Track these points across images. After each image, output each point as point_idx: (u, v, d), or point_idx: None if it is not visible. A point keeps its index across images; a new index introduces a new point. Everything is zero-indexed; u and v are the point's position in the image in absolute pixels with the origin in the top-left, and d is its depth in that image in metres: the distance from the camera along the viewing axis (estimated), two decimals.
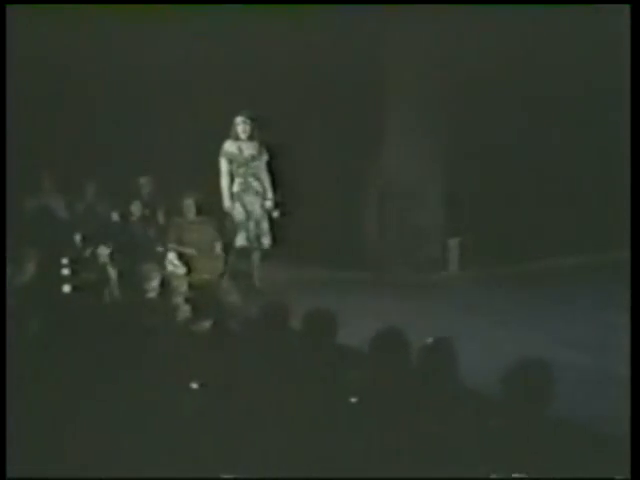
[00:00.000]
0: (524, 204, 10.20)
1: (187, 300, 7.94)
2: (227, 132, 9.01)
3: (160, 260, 8.53)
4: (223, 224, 8.95)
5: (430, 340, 4.19)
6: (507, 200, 10.12)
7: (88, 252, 8.42)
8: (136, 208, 9.14)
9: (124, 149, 10.51)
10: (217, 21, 9.45)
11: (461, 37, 9.40)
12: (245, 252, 8.99)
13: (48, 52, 9.40)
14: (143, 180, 9.62)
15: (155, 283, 8.01)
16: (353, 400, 4.21)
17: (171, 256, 8.64)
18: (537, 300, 8.38)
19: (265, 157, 9.00)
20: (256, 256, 9.00)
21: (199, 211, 8.96)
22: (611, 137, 9.75)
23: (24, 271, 7.23)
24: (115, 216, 9.24)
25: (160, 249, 8.75)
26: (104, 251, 8.34)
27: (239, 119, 8.91)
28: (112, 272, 8.23)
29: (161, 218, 9.51)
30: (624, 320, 4.68)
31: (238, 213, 8.89)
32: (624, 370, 4.30)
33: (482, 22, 9.17)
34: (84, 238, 8.64)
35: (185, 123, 10.28)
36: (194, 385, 4.66)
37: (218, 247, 8.85)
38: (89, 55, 9.90)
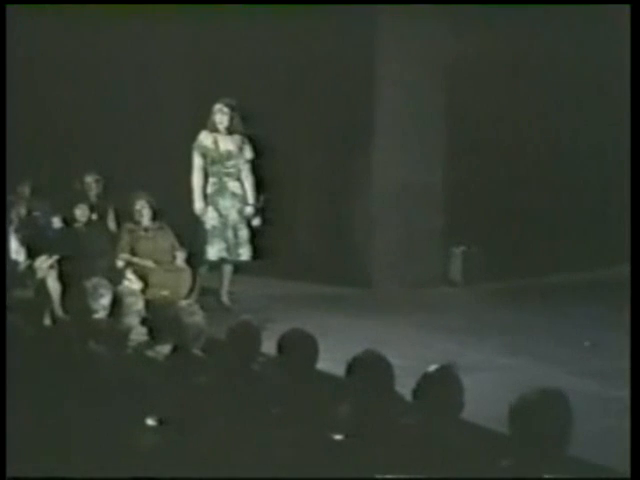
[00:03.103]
0: (536, 210, 10.30)
1: (143, 321, 7.95)
2: (194, 127, 8.99)
3: (111, 274, 8.53)
4: (195, 231, 8.90)
5: (432, 369, 4.22)
6: (518, 205, 10.20)
7: (24, 265, 8.39)
8: (81, 212, 9.14)
9: (69, 143, 10.55)
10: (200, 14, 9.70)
11: (459, 36, 9.74)
12: (215, 264, 8.94)
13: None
14: (90, 179, 9.60)
15: (105, 301, 8.00)
16: (338, 437, 4.23)
17: (124, 269, 8.65)
18: (551, 320, 8.44)
19: (247, 155, 8.93)
20: (227, 269, 8.96)
21: (155, 216, 8.96)
22: (613, 139, 10.05)
23: None
24: (57, 222, 9.23)
25: (111, 261, 8.75)
26: (44, 263, 8.32)
27: (217, 107, 8.82)
28: (53, 288, 8.23)
29: (111, 224, 9.52)
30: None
31: (211, 218, 8.82)
32: None
33: (480, 21, 9.69)
34: (20, 248, 8.61)
35: (147, 117, 10.35)
36: (151, 421, 4.68)
37: (180, 258, 8.84)
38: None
